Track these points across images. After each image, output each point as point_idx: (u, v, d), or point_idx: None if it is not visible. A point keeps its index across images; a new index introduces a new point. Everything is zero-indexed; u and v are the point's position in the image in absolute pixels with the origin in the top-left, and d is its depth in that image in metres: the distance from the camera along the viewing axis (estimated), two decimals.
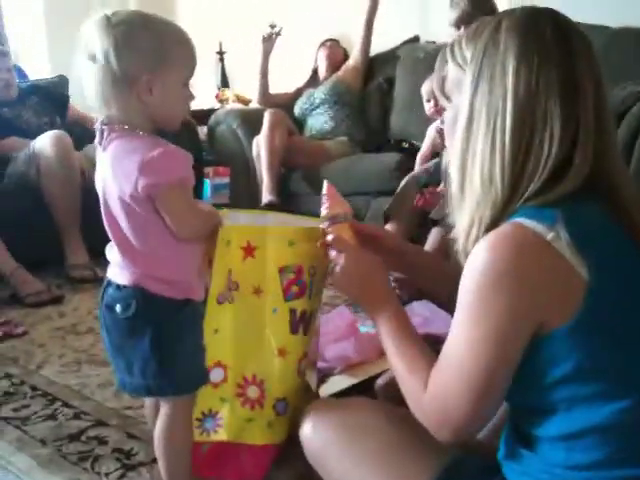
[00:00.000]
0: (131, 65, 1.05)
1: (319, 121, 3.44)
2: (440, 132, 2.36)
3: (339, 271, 1.09)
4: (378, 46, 3.51)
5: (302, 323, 1.23)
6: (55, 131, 3.01)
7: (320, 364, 1.68)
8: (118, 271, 1.13)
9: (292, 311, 1.21)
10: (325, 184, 1.21)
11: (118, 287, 1.12)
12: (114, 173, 1.07)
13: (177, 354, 1.13)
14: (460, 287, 0.83)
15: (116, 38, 1.04)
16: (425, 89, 2.52)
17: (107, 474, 1.40)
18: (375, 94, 3.53)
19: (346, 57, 3.59)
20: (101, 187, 1.12)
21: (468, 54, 0.86)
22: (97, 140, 1.12)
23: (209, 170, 3.50)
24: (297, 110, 3.55)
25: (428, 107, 2.52)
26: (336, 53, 3.58)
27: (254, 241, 1.19)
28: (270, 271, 1.20)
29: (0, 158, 3.03)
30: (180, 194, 1.08)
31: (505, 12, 0.87)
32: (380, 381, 1.48)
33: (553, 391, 0.80)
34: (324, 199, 1.20)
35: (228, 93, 4.07)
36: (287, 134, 3.21)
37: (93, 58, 1.06)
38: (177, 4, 4.43)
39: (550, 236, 0.77)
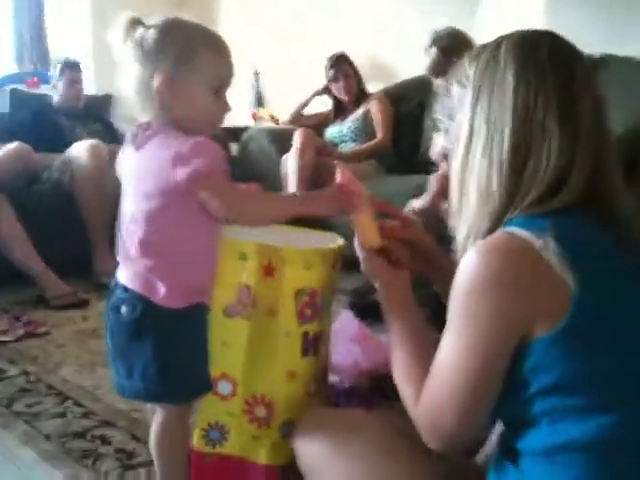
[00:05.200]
0: (156, 64, 1.06)
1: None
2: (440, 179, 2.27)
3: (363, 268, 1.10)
4: (410, 71, 3.53)
5: (313, 345, 1.22)
6: (91, 140, 3.10)
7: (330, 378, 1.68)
8: (126, 273, 1.13)
9: (305, 334, 1.20)
10: (339, 170, 1.18)
11: (125, 289, 1.11)
12: (149, 169, 1.08)
13: (179, 361, 1.12)
14: (450, 295, 0.83)
15: (145, 40, 1.06)
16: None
17: (106, 473, 1.41)
18: (408, 117, 3.54)
19: (357, 76, 3.58)
20: (130, 186, 1.12)
21: (470, 72, 0.88)
22: (129, 140, 1.13)
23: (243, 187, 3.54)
24: (327, 137, 3.58)
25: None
26: (351, 84, 3.56)
27: (274, 261, 1.17)
28: (285, 293, 1.18)
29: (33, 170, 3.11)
30: (220, 179, 1.06)
31: (505, 35, 0.89)
32: None
33: (536, 402, 0.79)
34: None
35: (263, 112, 4.13)
36: (316, 153, 3.23)
37: (129, 63, 1.08)
38: (217, 24, 4.53)
39: (538, 244, 0.77)
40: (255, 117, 4.15)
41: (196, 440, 1.22)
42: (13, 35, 4.55)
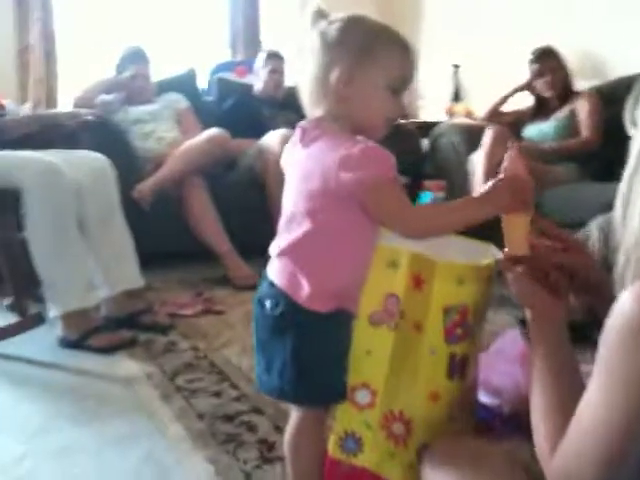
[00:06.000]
0: (335, 57, 1.03)
1: None
2: None
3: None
4: (625, 68, 3.18)
5: (461, 367, 1.13)
6: (284, 130, 3.18)
7: (485, 398, 1.56)
8: (275, 268, 1.11)
9: (452, 355, 1.11)
10: (508, 155, 1.06)
11: (272, 284, 1.10)
12: (314, 169, 1.05)
13: (318, 365, 1.08)
14: (601, 339, 0.70)
15: (327, 34, 1.04)
16: None
17: (245, 461, 1.43)
18: (619, 119, 3.20)
19: (564, 72, 3.29)
20: (292, 183, 1.10)
21: None
22: (297, 138, 1.10)
23: (430, 183, 3.45)
24: (526, 136, 3.35)
25: None
26: (557, 80, 3.28)
27: (424, 273, 1.10)
28: (434, 309, 1.10)
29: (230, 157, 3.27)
30: (390, 191, 1.01)
31: None
32: None
33: None
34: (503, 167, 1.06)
35: (458, 107, 3.99)
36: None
37: (309, 54, 1.06)
38: (421, 17, 4.45)
39: None
40: (450, 112, 4.02)
41: (331, 446, 1.18)
42: (229, 23, 4.84)
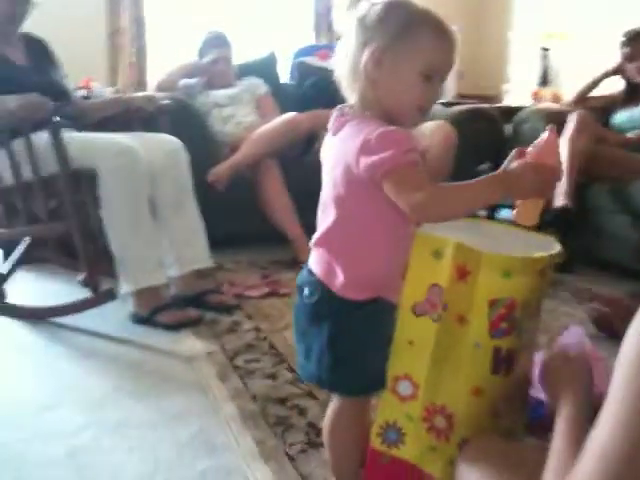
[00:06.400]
0: (369, 38, 1.01)
1: None
2: None
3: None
4: None
5: (506, 363, 1.08)
6: None
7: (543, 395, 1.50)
8: (313, 257, 1.11)
9: (496, 350, 1.07)
10: (548, 130, 1.01)
11: (310, 271, 1.10)
12: (339, 156, 1.04)
13: (355, 354, 1.08)
14: (620, 353, 0.65)
15: (365, 16, 1.01)
16: None
17: (291, 444, 1.43)
18: None
19: None
20: (325, 172, 1.10)
21: None
22: (330, 126, 1.09)
23: None
24: (615, 123, 3.17)
25: None
26: None
27: (469, 264, 1.06)
28: (479, 302, 1.06)
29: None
30: (403, 174, 0.97)
31: None
32: None
33: None
34: (536, 147, 1.02)
35: (546, 91, 3.82)
36: (593, 140, 2.89)
37: (348, 38, 1.04)
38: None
39: None
40: (536, 96, 3.86)
41: (373, 437, 1.17)
42: (313, 6, 4.83)
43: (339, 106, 1.08)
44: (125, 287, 2.19)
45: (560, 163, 0.99)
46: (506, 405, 1.12)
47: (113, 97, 2.93)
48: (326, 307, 1.06)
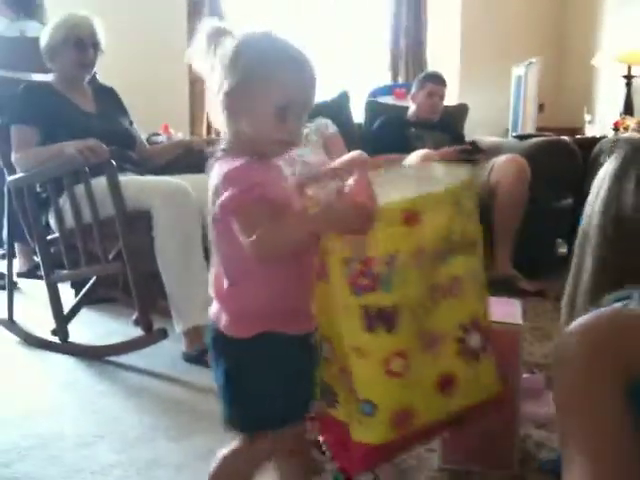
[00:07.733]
0: (225, 74, 1.02)
1: None
2: None
3: None
4: None
5: (383, 320, 1.08)
6: (425, 150, 3.09)
7: None
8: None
9: (363, 307, 1.08)
10: (355, 176, 1.02)
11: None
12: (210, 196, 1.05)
13: (248, 389, 1.06)
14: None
15: (223, 54, 1.03)
16: None
17: None
18: None
19: None
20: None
21: None
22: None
23: None
24: None
25: None
26: None
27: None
28: (333, 261, 1.08)
29: None
30: (241, 214, 0.98)
31: None
32: None
33: None
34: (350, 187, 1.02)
35: (630, 121, 3.61)
36: None
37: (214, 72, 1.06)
38: (599, 22, 4.12)
39: None
40: (618, 126, 3.65)
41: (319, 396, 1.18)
42: (389, 45, 4.84)
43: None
44: (178, 326, 2.22)
45: (373, 200, 0.98)
46: (407, 362, 1.10)
47: (174, 141, 3.03)
48: (219, 345, 1.08)
